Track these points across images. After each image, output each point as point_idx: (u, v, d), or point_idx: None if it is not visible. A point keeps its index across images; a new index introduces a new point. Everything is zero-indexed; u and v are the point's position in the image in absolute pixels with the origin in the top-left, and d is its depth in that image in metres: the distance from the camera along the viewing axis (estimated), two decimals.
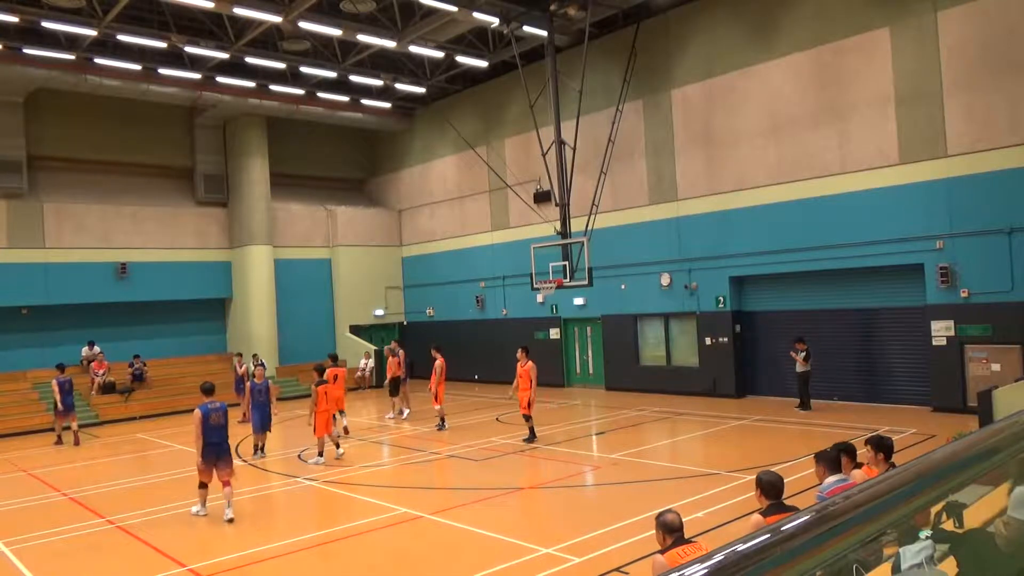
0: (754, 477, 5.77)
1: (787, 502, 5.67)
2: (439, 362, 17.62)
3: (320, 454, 14.38)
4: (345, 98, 26.82)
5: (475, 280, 27.04)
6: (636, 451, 14.15)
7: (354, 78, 25.09)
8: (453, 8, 19.17)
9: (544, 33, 20.80)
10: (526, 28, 20.62)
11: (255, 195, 26.82)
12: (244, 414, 19.28)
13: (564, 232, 20.96)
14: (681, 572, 1.23)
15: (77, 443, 18.10)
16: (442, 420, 17.49)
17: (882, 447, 6.66)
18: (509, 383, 25.24)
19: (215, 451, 10.67)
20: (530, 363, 15.45)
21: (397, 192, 30.75)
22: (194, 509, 10.91)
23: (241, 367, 21.30)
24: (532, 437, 15.23)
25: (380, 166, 31.69)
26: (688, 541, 5.15)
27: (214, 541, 9.79)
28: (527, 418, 15.38)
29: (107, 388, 23.02)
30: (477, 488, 11.88)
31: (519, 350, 15.88)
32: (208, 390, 11.26)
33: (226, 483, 10.63)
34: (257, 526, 11.10)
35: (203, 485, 10.73)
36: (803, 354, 17.06)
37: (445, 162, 28.39)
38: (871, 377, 17.67)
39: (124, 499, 12.29)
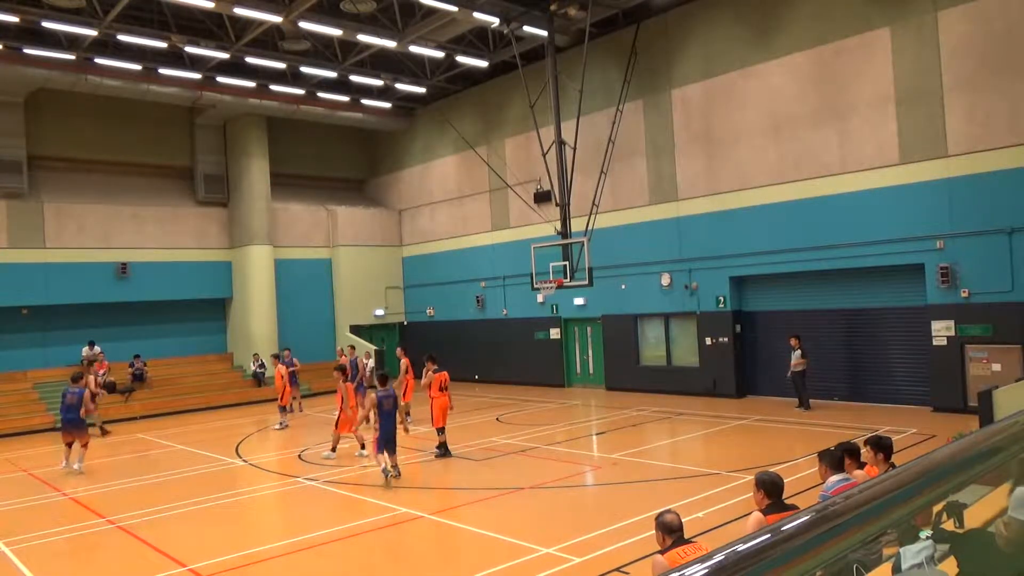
0: (754, 477, 5.76)
1: (788, 502, 5.67)
2: (403, 362, 18.44)
3: (333, 449, 14.68)
4: (345, 98, 26.82)
5: (475, 280, 27.04)
6: (636, 451, 14.15)
7: (354, 78, 25.09)
8: (453, 8, 19.17)
9: (544, 33, 20.80)
10: (526, 28, 20.63)
11: (255, 195, 26.82)
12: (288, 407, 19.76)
13: (564, 232, 20.96)
14: (681, 572, 1.23)
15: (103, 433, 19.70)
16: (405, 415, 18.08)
17: (881, 447, 6.65)
18: (509, 383, 25.47)
19: (68, 424, 14.31)
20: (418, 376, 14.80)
21: (397, 192, 30.76)
22: (62, 464, 14.39)
23: (279, 363, 20.61)
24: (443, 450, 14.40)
25: (380, 166, 31.69)
26: (688, 541, 5.15)
27: (214, 541, 9.79)
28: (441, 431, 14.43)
29: (107, 388, 22.99)
30: (477, 488, 11.88)
31: (427, 359, 15.17)
32: (75, 378, 15.03)
33: (83, 445, 14.36)
34: (257, 526, 11.12)
35: (68, 444, 14.31)
36: (798, 351, 17.07)
37: (445, 162, 28.40)
38: (871, 377, 17.66)
39: (124, 499, 12.29)
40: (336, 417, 14.87)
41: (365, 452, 14.41)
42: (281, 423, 19.15)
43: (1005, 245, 15.08)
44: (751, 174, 19.06)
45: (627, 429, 16.54)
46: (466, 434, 16.51)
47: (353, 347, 22.88)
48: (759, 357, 19.69)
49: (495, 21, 20.13)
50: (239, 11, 18.65)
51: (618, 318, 22.45)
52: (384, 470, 12.10)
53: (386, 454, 12.21)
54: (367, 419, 13.06)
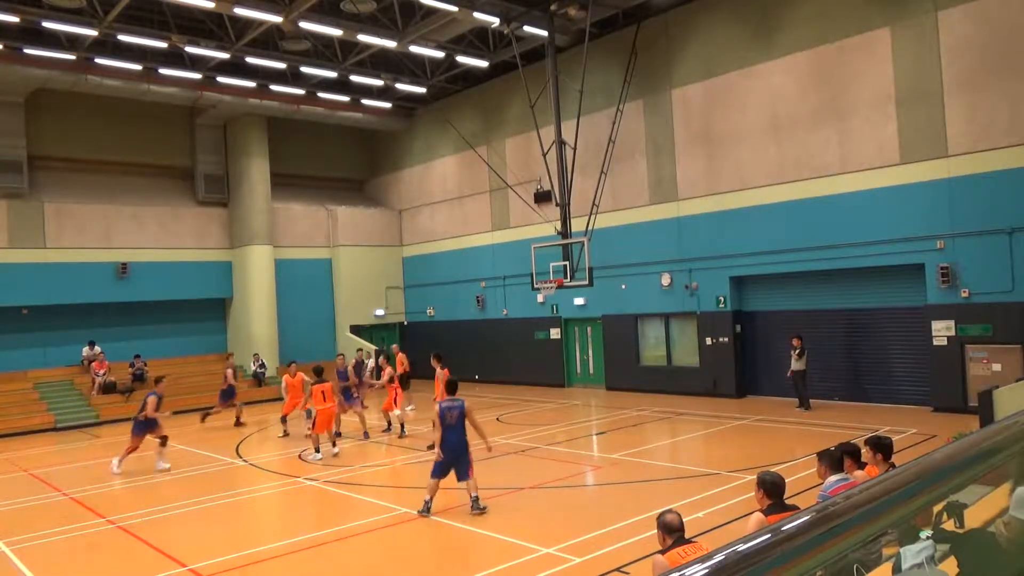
0: (754, 477, 5.77)
1: (788, 502, 5.67)
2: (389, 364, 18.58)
3: (317, 450, 14.87)
4: (345, 98, 26.82)
5: (475, 280, 27.04)
6: (636, 451, 14.15)
7: (354, 78, 25.09)
8: (453, 8, 19.17)
9: (544, 33, 20.80)
10: (526, 28, 20.63)
11: (255, 195, 26.83)
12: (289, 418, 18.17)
13: (564, 232, 20.96)
14: (681, 572, 1.23)
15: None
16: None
17: (880, 447, 6.64)
18: (510, 383, 25.44)
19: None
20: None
21: (397, 192, 30.76)
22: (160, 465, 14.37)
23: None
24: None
25: (380, 166, 31.70)
26: (688, 541, 5.16)
27: (214, 541, 9.79)
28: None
29: (108, 388, 23.03)
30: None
31: (433, 357, 15.40)
32: (156, 380, 15.34)
33: (160, 443, 14.50)
34: (257, 526, 11.12)
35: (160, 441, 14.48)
36: (797, 351, 17.08)
37: (445, 162, 28.40)
38: (871, 377, 17.66)
39: (124, 499, 12.29)
40: (312, 419, 15.16)
41: (319, 456, 14.61)
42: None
43: (1005, 245, 15.08)
44: (751, 174, 19.05)
45: (627, 429, 16.53)
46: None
47: (343, 355, 22.10)
48: (759, 357, 19.68)
49: (495, 21, 20.13)
50: (239, 11, 18.65)
51: (618, 318, 22.45)
52: (426, 502, 10.18)
53: (440, 481, 10.22)
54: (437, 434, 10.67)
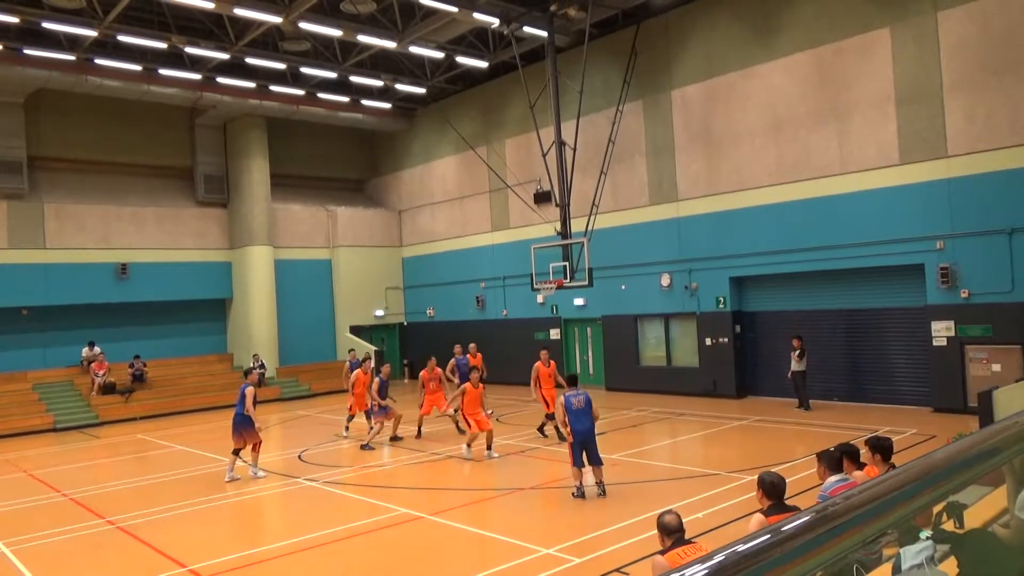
0: (754, 478, 5.77)
1: (788, 502, 5.67)
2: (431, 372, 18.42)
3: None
4: (345, 99, 26.82)
5: (475, 280, 27.04)
6: (636, 451, 14.15)
7: (354, 79, 25.09)
8: (453, 9, 19.18)
9: (544, 34, 20.81)
10: (526, 29, 20.63)
11: (255, 195, 26.82)
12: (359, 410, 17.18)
13: (564, 232, 20.96)
14: (681, 572, 1.23)
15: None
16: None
17: (879, 448, 6.63)
18: (510, 383, 25.40)
19: (234, 422, 13.64)
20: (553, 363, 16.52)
21: (397, 192, 30.76)
22: (226, 476, 13.53)
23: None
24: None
25: (380, 166, 31.70)
26: (688, 542, 5.16)
27: (214, 541, 9.79)
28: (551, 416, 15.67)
29: (107, 389, 23.03)
30: (477, 488, 11.87)
31: (543, 351, 16.67)
32: (245, 373, 14.77)
33: (253, 448, 13.62)
34: (257, 526, 11.12)
35: (235, 452, 13.54)
36: (797, 352, 17.08)
37: (445, 162, 28.40)
38: (871, 377, 17.66)
39: (124, 499, 12.29)
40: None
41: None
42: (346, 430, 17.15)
43: (1005, 245, 15.08)
44: (751, 174, 19.05)
45: (627, 429, 16.53)
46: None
47: (353, 350, 21.78)
48: (759, 357, 19.68)
49: (495, 22, 20.13)
50: (239, 12, 18.65)
51: (618, 318, 22.45)
52: (577, 487, 10.70)
53: (587, 469, 10.70)
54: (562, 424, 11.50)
